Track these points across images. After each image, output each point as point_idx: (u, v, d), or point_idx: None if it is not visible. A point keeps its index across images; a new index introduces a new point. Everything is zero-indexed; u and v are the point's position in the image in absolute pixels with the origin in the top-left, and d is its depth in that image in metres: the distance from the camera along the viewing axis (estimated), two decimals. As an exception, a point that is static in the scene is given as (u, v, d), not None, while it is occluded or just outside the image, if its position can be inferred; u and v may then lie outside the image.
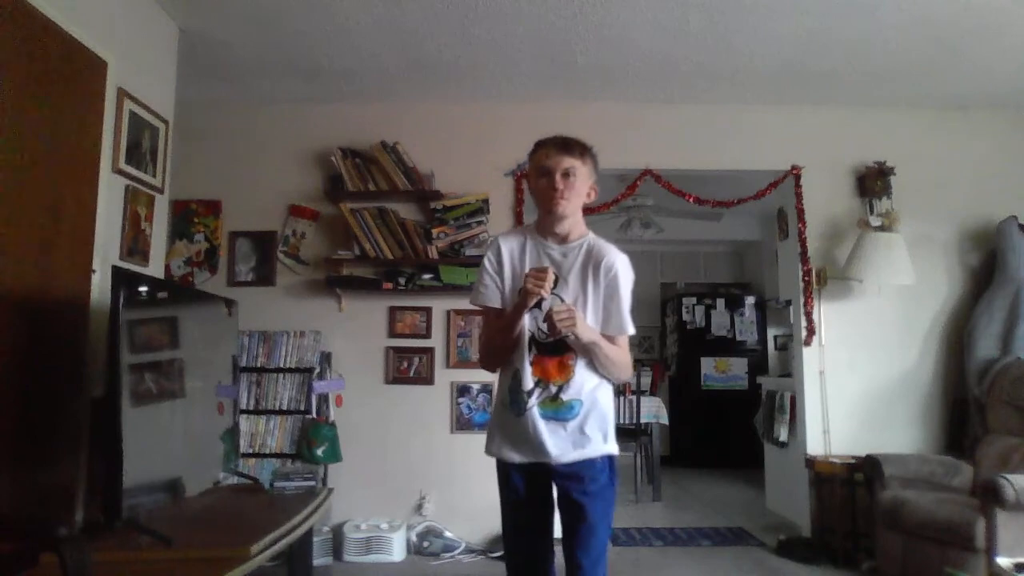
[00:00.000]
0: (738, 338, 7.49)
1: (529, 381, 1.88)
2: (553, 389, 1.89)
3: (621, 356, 1.93)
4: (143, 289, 2.47)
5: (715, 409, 7.25)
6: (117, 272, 2.26)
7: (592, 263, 1.93)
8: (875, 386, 4.34)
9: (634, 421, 5.61)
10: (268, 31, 3.54)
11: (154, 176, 3.17)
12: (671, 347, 7.87)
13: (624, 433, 5.56)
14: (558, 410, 1.89)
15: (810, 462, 4.21)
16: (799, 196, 4.44)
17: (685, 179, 4.55)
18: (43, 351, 2.44)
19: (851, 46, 3.68)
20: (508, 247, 1.99)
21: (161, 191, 3.25)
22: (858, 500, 3.93)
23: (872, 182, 4.37)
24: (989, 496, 3.08)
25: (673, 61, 3.88)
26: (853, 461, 4.03)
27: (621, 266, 1.97)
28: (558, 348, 1.88)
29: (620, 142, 4.46)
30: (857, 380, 4.34)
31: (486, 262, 1.99)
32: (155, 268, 3.23)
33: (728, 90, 4.28)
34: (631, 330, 1.96)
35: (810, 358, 4.37)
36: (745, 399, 6.83)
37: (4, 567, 1.98)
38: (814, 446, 4.30)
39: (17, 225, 2.32)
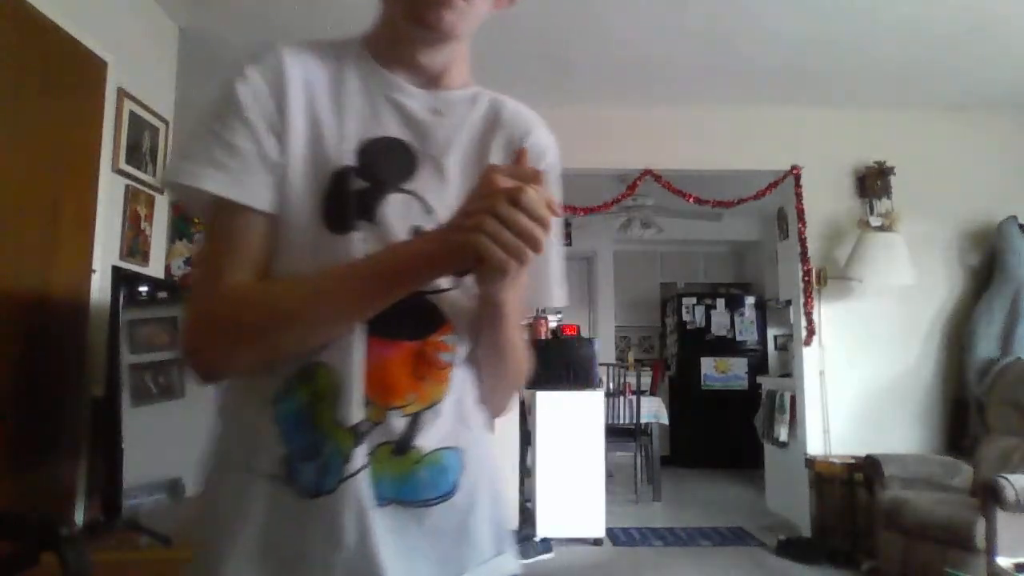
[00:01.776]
0: (738, 338, 7.49)
1: (355, 406, 0.77)
2: (399, 428, 0.79)
3: (524, 355, 0.96)
4: (143, 289, 2.48)
5: (715, 409, 7.25)
6: (117, 272, 2.26)
7: (501, 138, 0.91)
8: (875, 386, 4.34)
9: (634, 421, 5.61)
10: (268, 31, 3.54)
11: (154, 176, 3.17)
12: (671, 347, 7.87)
13: (624, 433, 5.56)
14: (411, 478, 0.79)
15: (810, 462, 4.21)
16: (799, 196, 4.44)
17: (685, 179, 4.55)
18: (43, 351, 2.44)
19: (851, 47, 3.68)
20: (302, 70, 0.83)
21: (161, 191, 3.25)
22: (858, 500, 3.93)
23: (872, 182, 4.37)
24: (989, 496, 3.08)
25: (673, 61, 3.88)
26: (853, 461, 4.02)
27: (555, 154, 0.97)
28: (419, 321, 0.82)
29: (620, 142, 4.47)
30: (857, 380, 4.33)
31: (243, 94, 0.79)
32: (155, 268, 3.23)
33: (728, 90, 4.27)
34: (563, 297, 1.00)
35: (810, 358, 4.37)
36: (745, 399, 6.83)
37: (4, 567, 1.98)
38: (814, 446, 4.30)
39: (17, 225, 2.32)
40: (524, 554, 3.95)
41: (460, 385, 0.85)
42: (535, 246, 0.67)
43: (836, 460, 4.11)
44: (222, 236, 0.79)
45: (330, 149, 0.80)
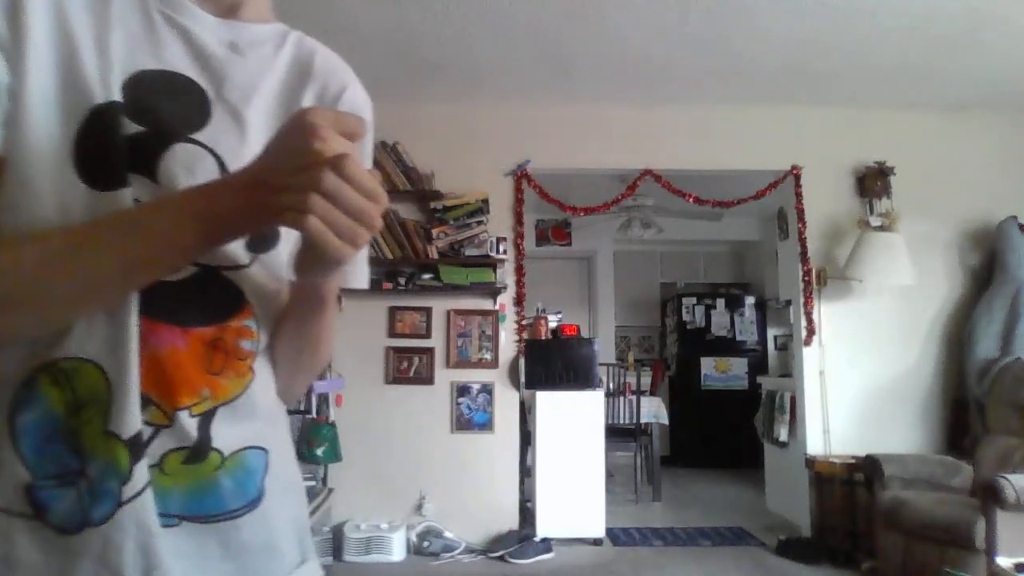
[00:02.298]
0: (738, 338, 7.49)
1: (133, 412, 0.61)
2: (191, 429, 0.64)
3: (332, 341, 0.83)
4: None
5: (715, 409, 7.24)
6: None
7: (312, 91, 0.75)
8: (875, 386, 4.34)
9: (634, 421, 5.61)
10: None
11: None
12: (671, 347, 7.87)
13: (624, 433, 5.56)
14: (208, 489, 0.66)
15: (810, 462, 4.21)
16: (799, 196, 4.44)
17: (685, 179, 4.55)
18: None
19: (851, 47, 3.68)
20: None
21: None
22: (858, 500, 3.93)
23: (872, 182, 4.37)
24: (989, 496, 3.08)
25: (673, 61, 3.88)
26: (853, 461, 4.02)
27: (371, 115, 0.79)
28: (215, 302, 0.69)
29: (620, 142, 4.47)
30: (857, 380, 4.34)
31: None
32: None
33: (728, 90, 4.28)
34: (366, 279, 0.81)
35: (810, 358, 4.37)
36: (745, 399, 6.82)
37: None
38: (814, 446, 4.30)
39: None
40: (524, 554, 3.95)
41: (261, 375, 0.71)
42: (372, 227, 0.56)
43: (836, 460, 4.11)
44: None
45: (88, 76, 0.61)
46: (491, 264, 4.28)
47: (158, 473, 0.62)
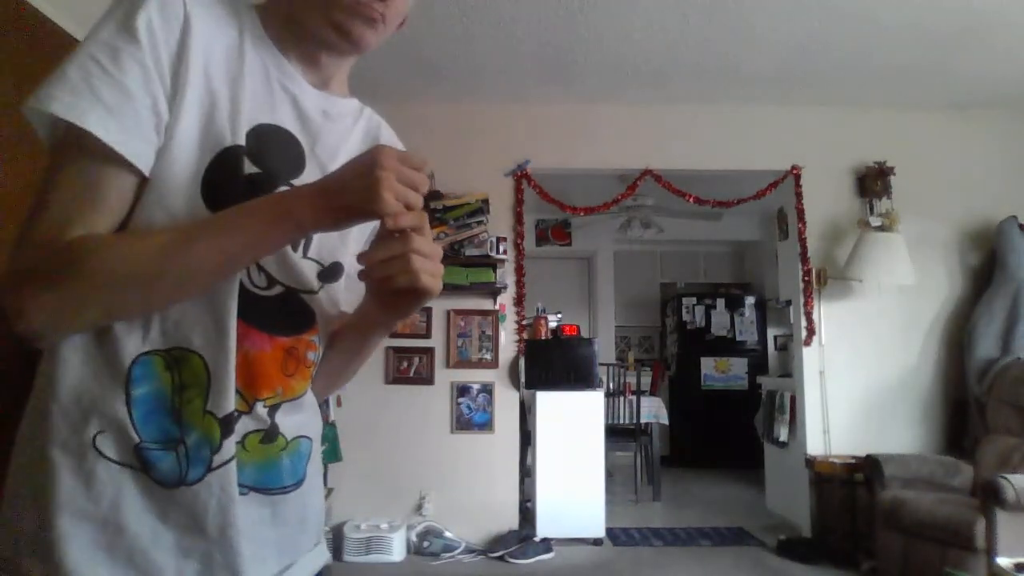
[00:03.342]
0: (738, 338, 7.49)
1: (229, 396, 0.75)
2: (265, 416, 0.79)
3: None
4: None
5: (715, 409, 7.24)
6: None
7: None
8: (875, 386, 4.34)
9: (634, 421, 5.61)
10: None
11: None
12: (671, 347, 7.87)
13: (624, 433, 5.57)
14: (273, 467, 0.81)
15: (810, 462, 4.21)
16: (799, 196, 4.44)
17: (685, 179, 4.55)
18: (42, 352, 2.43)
19: (851, 47, 3.68)
20: (204, 24, 0.76)
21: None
22: (858, 500, 3.93)
23: (872, 182, 4.38)
24: (989, 496, 3.08)
25: (673, 61, 3.88)
26: (853, 461, 4.03)
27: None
28: (294, 318, 0.83)
29: (620, 142, 4.47)
30: (857, 380, 4.34)
31: (142, 27, 0.71)
32: None
33: (728, 90, 4.28)
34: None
35: (810, 358, 4.37)
36: (745, 399, 6.83)
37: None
38: (814, 446, 4.30)
39: (18, 225, 2.32)
40: (524, 554, 3.95)
41: (310, 380, 0.87)
42: (440, 280, 0.74)
43: (836, 460, 4.11)
44: (81, 185, 0.70)
45: (222, 122, 0.74)
46: (491, 264, 4.28)
47: (240, 449, 0.76)
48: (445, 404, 4.32)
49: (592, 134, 4.48)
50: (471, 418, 4.31)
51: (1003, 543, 2.98)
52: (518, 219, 4.41)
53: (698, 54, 3.78)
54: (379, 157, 0.68)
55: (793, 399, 4.66)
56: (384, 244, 0.71)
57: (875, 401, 4.33)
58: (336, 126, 0.87)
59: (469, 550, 4.10)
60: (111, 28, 0.70)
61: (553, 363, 4.34)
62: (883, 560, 3.56)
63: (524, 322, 4.44)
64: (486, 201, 4.35)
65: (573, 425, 4.30)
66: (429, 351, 4.35)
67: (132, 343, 0.72)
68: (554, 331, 4.78)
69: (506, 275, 4.36)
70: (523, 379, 4.33)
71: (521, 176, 4.41)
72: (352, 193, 0.69)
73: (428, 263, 0.71)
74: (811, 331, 4.37)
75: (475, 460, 4.30)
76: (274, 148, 0.79)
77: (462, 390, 4.32)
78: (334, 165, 0.83)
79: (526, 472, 4.66)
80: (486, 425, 4.32)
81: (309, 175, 0.81)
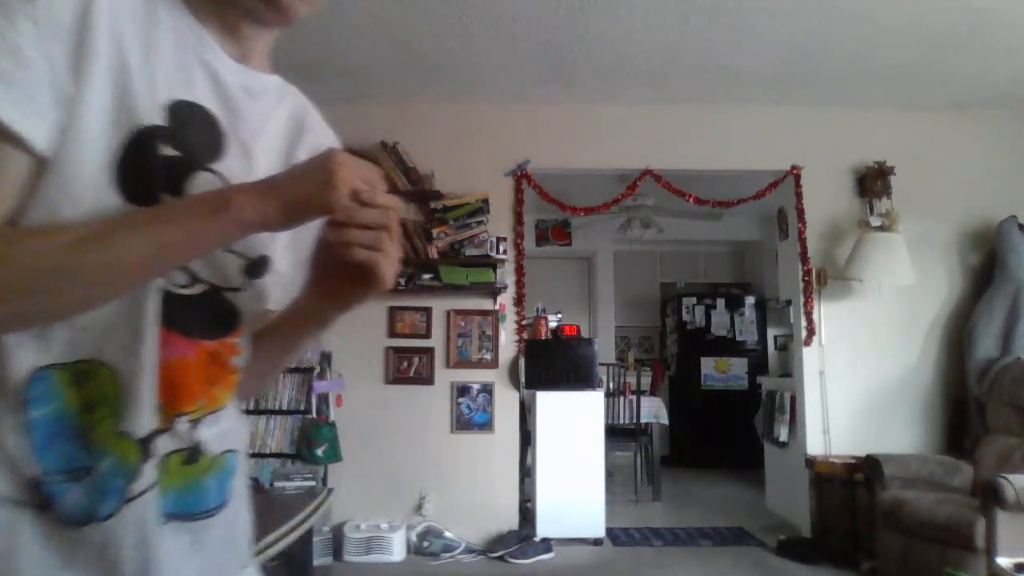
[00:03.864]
0: (738, 338, 7.49)
1: (147, 414, 0.66)
2: (186, 433, 0.71)
3: None
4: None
5: (715, 409, 7.24)
6: None
7: (307, 144, 0.83)
8: (875, 386, 4.34)
9: (634, 421, 5.61)
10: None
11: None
12: (671, 347, 7.87)
13: (624, 433, 5.56)
14: (196, 489, 0.72)
15: (810, 462, 4.21)
16: (799, 196, 4.44)
17: (685, 179, 4.55)
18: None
19: (851, 47, 3.68)
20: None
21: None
22: (858, 500, 3.93)
23: (872, 182, 4.37)
24: (989, 496, 3.08)
25: (673, 61, 3.88)
26: (853, 461, 4.02)
27: None
28: (217, 319, 0.74)
29: (620, 142, 4.47)
30: (857, 380, 4.33)
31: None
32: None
33: (728, 90, 4.27)
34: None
35: (810, 358, 4.37)
36: (745, 399, 6.83)
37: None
38: (814, 446, 4.30)
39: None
40: (524, 554, 3.95)
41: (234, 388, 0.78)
42: (392, 280, 0.68)
43: (836, 460, 4.11)
44: None
45: (137, 99, 0.64)
46: (491, 264, 4.28)
47: (161, 473, 0.66)
48: (445, 404, 4.32)
49: (592, 134, 4.48)
50: (471, 418, 4.31)
51: (1003, 543, 2.98)
52: (518, 219, 4.41)
53: (698, 54, 3.78)
54: (334, 154, 0.65)
55: (793, 399, 4.66)
56: (367, 213, 0.65)
57: (875, 401, 4.33)
58: (259, 104, 0.77)
59: (469, 550, 4.10)
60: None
61: (553, 363, 4.34)
62: (883, 560, 3.56)
63: (524, 322, 4.44)
64: (486, 201, 4.35)
65: (573, 425, 4.30)
66: (429, 351, 4.35)
67: (28, 356, 0.61)
68: (554, 331, 4.78)
69: (506, 275, 4.36)
70: (523, 379, 4.33)
71: (521, 176, 4.41)
72: (307, 185, 0.63)
73: (392, 256, 0.66)
74: (811, 331, 4.37)
75: (475, 460, 4.30)
76: (193, 128, 0.69)
77: (462, 390, 4.32)
78: (258, 147, 0.76)
79: (526, 472, 4.66)
80: (486, 425, 4.32)
81: (231, 158, 0.72)
